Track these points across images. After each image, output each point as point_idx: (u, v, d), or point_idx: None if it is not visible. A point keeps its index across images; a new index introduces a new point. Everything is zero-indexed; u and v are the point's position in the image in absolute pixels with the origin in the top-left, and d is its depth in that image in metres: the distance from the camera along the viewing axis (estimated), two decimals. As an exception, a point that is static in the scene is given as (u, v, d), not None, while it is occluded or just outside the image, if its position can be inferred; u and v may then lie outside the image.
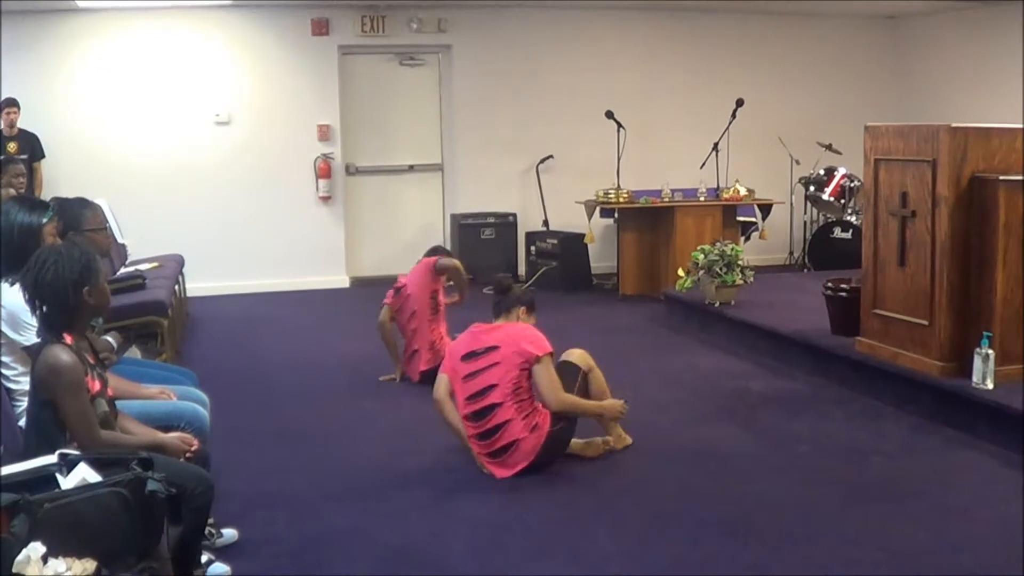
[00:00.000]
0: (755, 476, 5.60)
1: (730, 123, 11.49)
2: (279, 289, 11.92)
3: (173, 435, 4.09)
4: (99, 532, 3.15)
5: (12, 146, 10.67)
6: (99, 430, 3.74)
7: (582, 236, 11.51)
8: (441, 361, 7.45)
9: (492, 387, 5.52)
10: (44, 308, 3.78)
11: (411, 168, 12.78)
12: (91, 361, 3.88)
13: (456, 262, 7.92)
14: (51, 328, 3.79)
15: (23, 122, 10.78)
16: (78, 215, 5.59)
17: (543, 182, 12.64)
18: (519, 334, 5.56)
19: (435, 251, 7.98)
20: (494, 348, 5.56)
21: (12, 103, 10.70)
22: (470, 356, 5.62)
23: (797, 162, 12.54)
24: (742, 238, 11.78)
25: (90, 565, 3.08)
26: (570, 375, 5.78)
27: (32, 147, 10.83)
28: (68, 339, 3.76)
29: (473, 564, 4.55)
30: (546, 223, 12.53)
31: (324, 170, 12.12)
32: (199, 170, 11.78)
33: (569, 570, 4.46)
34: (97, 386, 3.85)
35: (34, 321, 3.92)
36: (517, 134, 12.75)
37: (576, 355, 5.95)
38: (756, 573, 4.39)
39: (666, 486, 5.44)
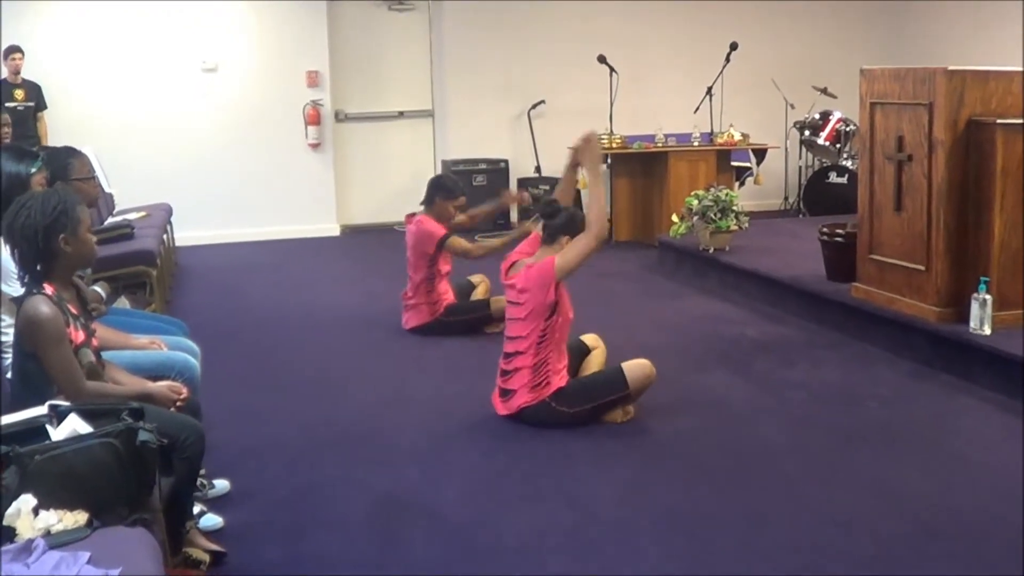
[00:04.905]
0: (750, 422, 5.62)
1: (724, 67, 11.42)
2: (269, 238, 11.88)
3: (161, 384, 4.08)
4: (90, 483, 3.16)
5: (19, 93, 10.61)
6: (84, 381, 3.72)
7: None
8: (437, 318, 7.47)
9: (520, 338, 5.49)
10: (17, 254, 3.76)
11: (401, 114, 12.71)
12: (74, 312, 3.84)
13: (460, 246, 7.46)
14: (31, 278, 3.76)
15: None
16: (65, 164, 5.55)
17: (535, 127, 12.58)
18: (540, 279, 5.42)
19: (433, 194, 7.58)
20: (525, 293, 5.47)
21: (16, 49, 10.62)
22: (510, 287, 5.58)
23: (792, 106, 12.49)
24: (736, 183, 11.73)
25: (81, 517, 3.09)
26: (579, 353, 5.82)
27: (37, 96, 10.78)
28: (49, 289, 3.73)
29: (467, 510, 4.57)
30: (538, 169, 12.48)
31: (313, 117, 12.05)
32: (186, 118, 11.69)
33: (563, 515, 4.48)
34: (81, 337, 3.82)
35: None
36: (508, 79, 12.68)
37: (590, 337, 5.93)
38: (750, 518, 4.41)
39: (660, 432, 5.45)
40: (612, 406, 5.53)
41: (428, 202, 7.57)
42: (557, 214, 5.61)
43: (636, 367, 5.53)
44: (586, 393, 5.51)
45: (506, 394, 5.60)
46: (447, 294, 7.58)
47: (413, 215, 7.61)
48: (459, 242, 7.47)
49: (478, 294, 7.76)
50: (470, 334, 7.43)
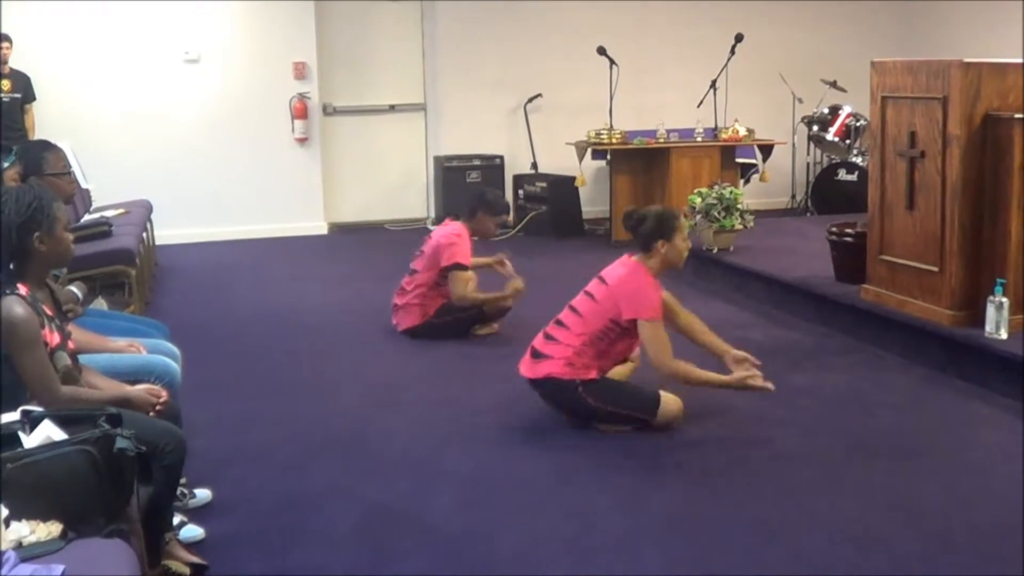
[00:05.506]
0: (755, 430, 5.61)
1: (729, 59, 11.42)
2: (253, 236, 11.86)
3: (140, 387, 4.06)
4: (65, 493, 3.14)
5: (6, 84, 10.51)
6: (59, 386, 3.70)
7: (573, 179, 11.46)
8: (428, 320, 7.45)
9: (581, 317, 5.54)
10: None
11: (392, 108, 12.69)
12: (49, 313, 3.82)
13: (458, 284, 7.32)
14: (4, 278, 3.73)
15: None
16: (40, 159, 5.54)
17: (531, 122, 12.57)
18: (625, 292, 5.47)
19: (476, 207, 7.55)
20: (603, 283, 5.58)
21: (4, 38, 10.51)
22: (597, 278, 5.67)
23: (800, 100, 12.48)
24: (741, 181, 11.75)
25: (55, 528, 3.06)
26: None
27: (25, 87, 10.69)
28: (23, 289, 3.71)
29: (459, 521, 4.55)
30: (535, 166, 12.47)
31: (300, 110, 12.03)
32: (168, 111, 11.66)
33: (559, 527, 4.46)
34: (56, 339, 3.80)
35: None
36: (504, 72, 12.67)
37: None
38: (755, 529, 4.40)
39: (661, 439, 5.43)
40: (630, 421, 5.53)
41: (470, 215, 7.52)
42: (643, 221, 5.60)
43: (672, 403, 5.55)
44: (616, 397, 5.52)
45: (538, 356, 5.60)
46: (440, 299, 7.56)
47: (456, 218, 7.57)
48: (461, 280, 7.35)
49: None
50: (462, 337, 7.42)
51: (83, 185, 9.64)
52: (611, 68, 11.31)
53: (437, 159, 12.48)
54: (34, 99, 10.78)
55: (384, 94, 12.67)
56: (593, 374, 5.51)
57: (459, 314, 7.48)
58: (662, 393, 5.55)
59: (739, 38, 11.39)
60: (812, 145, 12.52)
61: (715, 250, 9.05)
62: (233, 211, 11.91)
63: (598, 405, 5.48)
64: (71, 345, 3.97)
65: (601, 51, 11.33)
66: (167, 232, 11.11)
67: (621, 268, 5.61)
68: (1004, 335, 6.14)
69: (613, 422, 5.53)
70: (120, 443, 3.22)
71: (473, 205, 7.59)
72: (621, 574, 4.08)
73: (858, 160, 11.53)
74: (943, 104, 6.38)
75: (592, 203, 12.34)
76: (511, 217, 7.85)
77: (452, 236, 7.40)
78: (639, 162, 11.18)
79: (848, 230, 7.68)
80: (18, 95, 10.58)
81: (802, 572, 4.05)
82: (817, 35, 13.47)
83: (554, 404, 5.63)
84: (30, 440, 3.24)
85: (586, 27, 12.41)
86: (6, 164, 4.82)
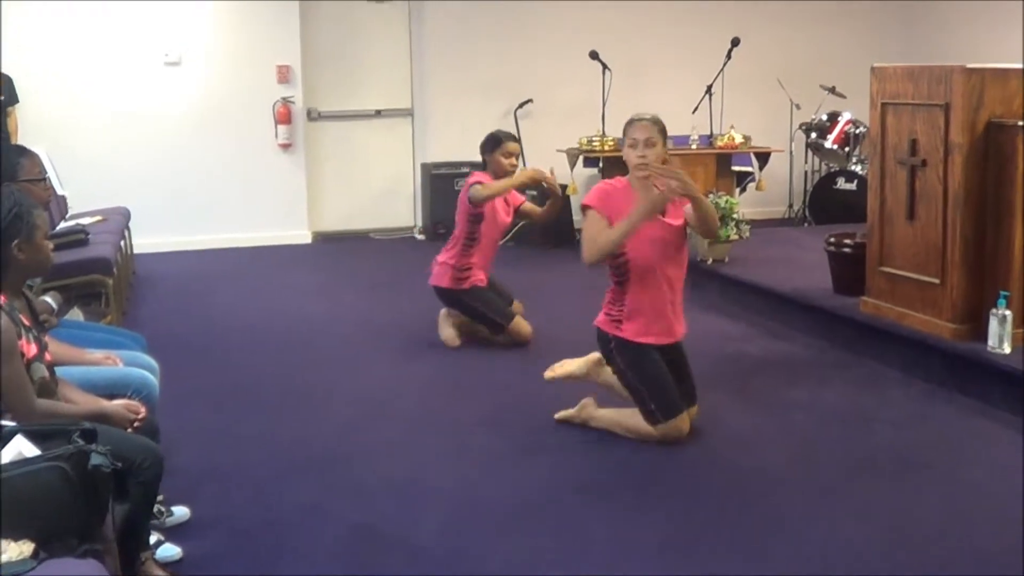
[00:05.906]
0: (749, 447, 5.60)
1: (725, 64, 11.43)
2: (234, 245, 11.83)
3: (118, 402, 4.05)
4: (37, 511, 3.12)
5: None
6: (35, 399, 3.69)
7: (564, 187, 11.44)
8: (458, 288, 7.53)
9: None
10: None
11: (378, 113, 12.68)
12: (26, 323, 3.82)
13: (490, 187, 7.50)
14: (-20, 286, 3.72)
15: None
16: (14, 164, 5.51)
17: (522, 128, 12.54)
18: None
19: (482, 152, 7.78)
20: None
21: None
22: None
23: (798, 106, 12.49)
24: (737, 189, 11.74)
25: (27, 548, 3.04)
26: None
27: (8, 89, 10.62)
28: (0, 299, 3.70)
29: (445, 541, 4.54)
30: (525, 172, 12.46)
31: (284, 115, 11.99)
32: (146, 115, 11.62)
33: (549, 547, 4.45)
34: (33, 350, 3.80)
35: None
36: (493, 76, 12.66)
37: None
38: (749, 550, 4.39)
39: (655, 457, 5.42)
40: (641, 404, 5.56)
41: (483, 164, 7.72)
42: None
43: (685, 424, 5.58)
44: (645, 375, 5.58)
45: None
46: (478, 273, 7.57)
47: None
48: (477, 187, 7.50)
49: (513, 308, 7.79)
50: (460, 340, 7.49)
51: (59, 191, 9.63)
52: (604, 73, 11.32)
53: (424, 166, 12.46)
54: (17, 101, 10.72)
55: (370, 99, 12.66)
56: (625, 332, 5.61)
57: (485, 307, 7.51)
58: (684, 412, 5.59)
59: (735, 42, 11.40)
60: (810, 153, 12.52)
61: (710, 261, 9.04)
62: (214, 219, 11.87)
63: (624, 369, 5.61)
64: (48, 357, 3.96)
65: (594, 55, 11.34)
66: (145, 240, 11.07)
67: None
68: (1007, 349, 6.14)
69: (630, 391, 5.61)
70: (95, 459, 3.20)
71: (481, 153, 7.77)
72: (613, 595, 4.08)
73: (857, 168, 11.53)
74: (945, 111, 6.39)
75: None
76: (518, 145, 7.87)
77: (470, 179, 7.63)
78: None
79: (847, 240, 7.69)
80: (1, 97, 10.55)
81: (799, 593, 4.06)
82: (816, 39, 13.48)
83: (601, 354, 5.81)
84: (1, 456, 3.22)
85: (579, 31, 12.41)
86: (-20, 170, 4.81)
